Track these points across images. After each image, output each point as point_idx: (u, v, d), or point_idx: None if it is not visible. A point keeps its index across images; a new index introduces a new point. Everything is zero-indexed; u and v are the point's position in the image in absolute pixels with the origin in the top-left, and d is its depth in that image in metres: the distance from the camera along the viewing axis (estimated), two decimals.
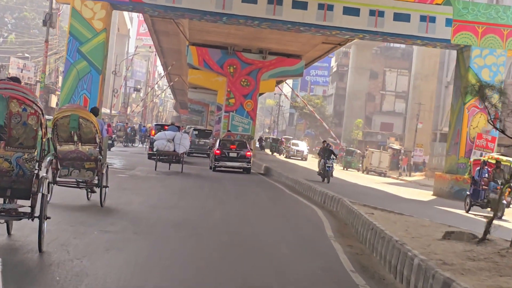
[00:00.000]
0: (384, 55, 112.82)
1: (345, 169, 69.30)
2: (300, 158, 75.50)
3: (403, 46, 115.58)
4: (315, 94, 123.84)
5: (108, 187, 17.47)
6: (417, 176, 67.73)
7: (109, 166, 18.43)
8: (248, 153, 38.13)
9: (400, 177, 63.85)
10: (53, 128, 16.11)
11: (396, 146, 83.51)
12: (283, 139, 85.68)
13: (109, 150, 42.00)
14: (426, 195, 40.28)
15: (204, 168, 39.96)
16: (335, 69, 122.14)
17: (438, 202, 34.80)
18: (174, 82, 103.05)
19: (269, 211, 20.12)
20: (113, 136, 66.98)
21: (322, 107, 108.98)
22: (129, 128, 71.16)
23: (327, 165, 37.29)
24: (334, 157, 39.01)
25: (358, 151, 75.29)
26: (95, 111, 17.93)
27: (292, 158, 74.82)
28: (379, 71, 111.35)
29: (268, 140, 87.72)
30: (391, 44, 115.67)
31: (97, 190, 17.17)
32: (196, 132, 58.33)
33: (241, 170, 37.99)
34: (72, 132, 16.20)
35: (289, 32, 50.91)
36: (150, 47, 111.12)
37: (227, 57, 62.56)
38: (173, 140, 33.89)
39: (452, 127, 39.57)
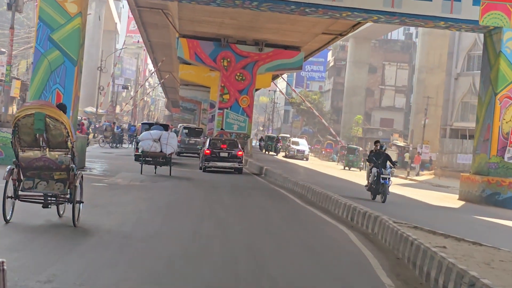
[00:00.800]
0: (383, 48, 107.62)
1: (346, 168, 63.59)
2: (301, 158, 70.19)
3: (402, 38, 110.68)
4: (311, 90, 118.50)
5: (83, 202, 14.03)
6: (426, 175, 62.35)
7: (87, 172, 13.81)
8: (240, 153, 36.44)
9: (408, 177, 58.41)
10: (13, 130, 13.32)
11: (400, 143, 78.16)
12: (280, 137, 79.83)
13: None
14: (452, 200, 34.92)
15: (194, 170, 36.77)
16: (332, 64, 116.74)
17: (472, 209, 29.55)
18: (165, 79, 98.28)
19: (287, 238, 14.70)
20: (99, 135, 61.81)
21: (319, 103, 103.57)
22: (117, 128, 65.70)
23: (382, 176, 26.13)
24: (392, 166, 27.34)
25: (361, 149, 69.80)
26: (62, 109, 14.18)
27: (292, 158, 69.45)
28: (378, 65, 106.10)
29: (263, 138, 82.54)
30: (390, 37, 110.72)
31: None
32: (186, 131, 54.13)
33: (232, 170, 36.32)
34: (38, 135, 13.31)
35: (288, 20, 46.00)
36: (138, 41, 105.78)
37: (220, 50, 57.67)
38: (159, 140, 30.44)
39: (481, 122, 34.24)
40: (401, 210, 24.06)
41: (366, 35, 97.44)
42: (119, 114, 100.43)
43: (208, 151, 35.96)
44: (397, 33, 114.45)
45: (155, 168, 31.37)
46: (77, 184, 13.63)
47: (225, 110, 58.70)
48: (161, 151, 30.20)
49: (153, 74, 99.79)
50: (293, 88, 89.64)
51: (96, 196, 19.27)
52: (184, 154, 51.36)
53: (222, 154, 35.99)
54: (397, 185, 44.91)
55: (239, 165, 36.25)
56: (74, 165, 13.65)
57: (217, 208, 19.47)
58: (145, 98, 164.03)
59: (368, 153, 68.53)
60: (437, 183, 52.45)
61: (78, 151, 30.89)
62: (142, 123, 46.46)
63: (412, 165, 63.89)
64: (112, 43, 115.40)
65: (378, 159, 26.64)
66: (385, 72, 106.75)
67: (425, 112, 69.30)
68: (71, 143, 13.53)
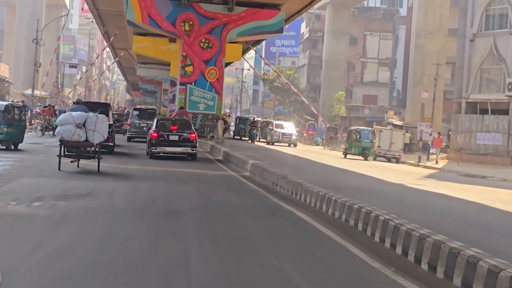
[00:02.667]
0: (363, 17, 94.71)
1: (345, 156, 48.67)
2: (287, 144, 56.43)
3: (384, 6, 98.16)
4: (284, 66, 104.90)
5: None
6: (439, 161, 49.14)
7: None
8: (193, 135, 30.77)
9: (421, 163, 45.29)
10: None
11: (397, 121, 65.30)
12: (255, 120, 64.68)
13: None
14: None
15: (140, 159, 29.69)
16: (307, 36, 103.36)
17: None
18: (120, 57, 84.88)
19: None
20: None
21: (295, 80, 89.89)
22: (59, 112, 52.20)
23: None
24: None
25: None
26: None
27: (276, 145, 55.91)
28: (358, 35, 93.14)
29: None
30: (367, 4, 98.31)
31: None
32: (137, 113, 47.10)
33: (185, 156, 30.65)
34: None
35: None
36: (92, 21, 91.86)
37: (180, 11, 45.65)
38: (84, 125, 21.63)
39: None
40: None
41: (345, 2, 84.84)
42: (67, 97, 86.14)
43: (155, 134, 30.29)
44: (374, 1, 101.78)
45: (78, 162, 22.91)
46: None
47: (189, 85, 46.25)
48: (86, 140, 21.55)
49: (109, 53, 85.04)
50: (267, 62, 75.82)
51: None
52: (136, 139, 44.66)
53: (171, 137, 30.40)
54: (428, 179, 31.93)
55: (193, 150, 30.45)
56: None
57: None
58: (103, 81, 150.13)
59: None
60: (464, 171, 39.59)
61: None
62: (74, 102, 33.97)
63: (432, 150, 50.46)
64: (59, 20, 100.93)
65: None
66: (366, 44, 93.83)
67: (434, 82, 56.51)
68: None
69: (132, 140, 44.59)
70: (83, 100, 32.59)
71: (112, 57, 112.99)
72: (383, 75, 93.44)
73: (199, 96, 46.05)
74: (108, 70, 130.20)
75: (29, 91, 69.29)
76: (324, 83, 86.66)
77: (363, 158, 46.34)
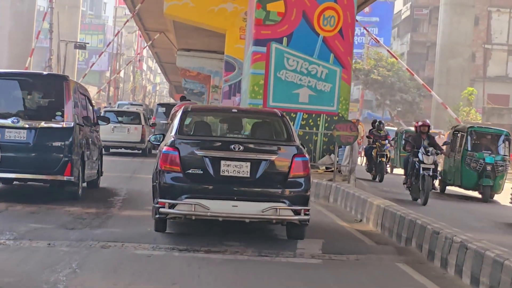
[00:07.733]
0: None
1: None
2: None
3: None
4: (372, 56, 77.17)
5: None
6: None
7: None
8: (298, 162, 7.45)
9: None
10: None
11: None
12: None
13: None
14: None
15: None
16: (406, 14, 76.02)
17: None
18: (155, 43, 59.70)
19: None
20: None
21: (399, 71, 61.64)
22: None
23: None
24: None
25: None
26: None
27: None
28: (480, 13, 65.41)
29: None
30: None
31: None
32: (163, 110, 32.02)
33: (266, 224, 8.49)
34: None
35: None
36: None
37: None
38: None
39: None
40: None
41: None
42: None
43: (175, 156, 7.37)
44: None
45: None
46: None
47: (274, 45, 18.98)
48: None
49: (128, 21, 58.76)
50: (375, 38, 47.42)
51: None
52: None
53: (226, 168, 7.13)
54: None
55: (300, 214, 7.27)
56: None
57: None
58: (142, 82, 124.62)
59: None
60: None
61: None
62: None
63: None
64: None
65: None
66: (491, 24, 66.20)
67: None
68: None
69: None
70: None
71: (153, 58, 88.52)
72: None
73: (299, 71, 18.96)
74: (139, 60, 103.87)
75: None
76: (439, 76, 58.78)
77: None
